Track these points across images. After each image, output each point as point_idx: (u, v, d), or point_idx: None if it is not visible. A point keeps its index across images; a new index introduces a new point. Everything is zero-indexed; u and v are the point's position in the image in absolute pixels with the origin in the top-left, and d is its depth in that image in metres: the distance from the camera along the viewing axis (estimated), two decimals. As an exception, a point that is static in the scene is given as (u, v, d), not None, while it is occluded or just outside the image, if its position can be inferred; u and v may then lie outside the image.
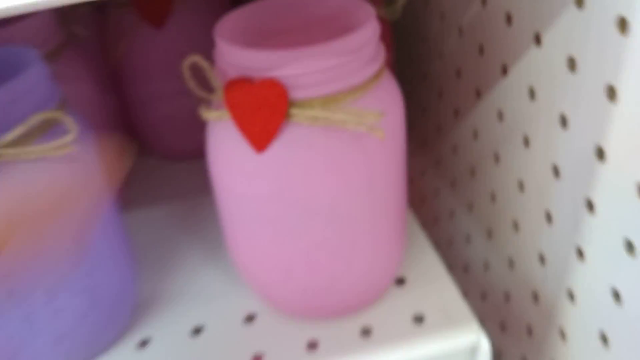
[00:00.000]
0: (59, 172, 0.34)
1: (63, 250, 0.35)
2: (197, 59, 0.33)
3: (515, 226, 0.43)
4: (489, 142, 0.45)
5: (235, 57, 0.31)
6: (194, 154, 0.55)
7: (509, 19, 0.38)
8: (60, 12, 0.49)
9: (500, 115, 0.42)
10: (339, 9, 0.35)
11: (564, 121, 0.34)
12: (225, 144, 0.33)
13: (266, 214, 0.34)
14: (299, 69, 0.30)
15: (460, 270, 0.55)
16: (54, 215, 0.33)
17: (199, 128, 0.42)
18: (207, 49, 0.49)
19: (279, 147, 0.32)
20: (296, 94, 0.30)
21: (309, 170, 0.32)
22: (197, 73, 0.34)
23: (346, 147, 0.32)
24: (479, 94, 0.45)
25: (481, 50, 0.43)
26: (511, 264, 0.45)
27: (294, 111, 0.31)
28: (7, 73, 0.36)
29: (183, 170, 0.58)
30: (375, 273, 0.38)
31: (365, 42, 0.31)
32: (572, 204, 0.35)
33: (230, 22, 0.34)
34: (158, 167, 0.60)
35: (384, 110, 0.31)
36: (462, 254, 0.54)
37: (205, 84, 0.34)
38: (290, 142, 0.32)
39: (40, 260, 0.33)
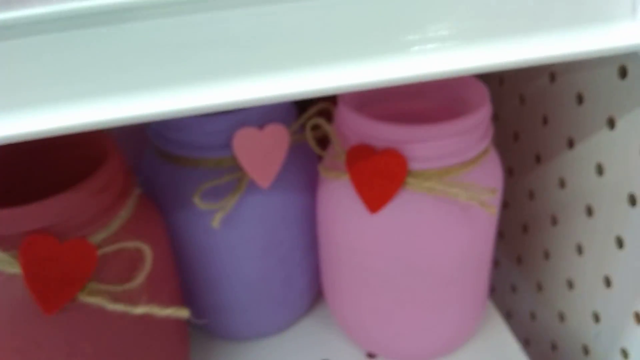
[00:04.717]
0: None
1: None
2: (321, 121, 0.37)
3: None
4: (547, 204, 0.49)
5: (361, 126, 0.35)
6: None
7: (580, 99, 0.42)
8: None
9: (563, 183, 0.46)
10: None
11: (632, 200, 0.38)
12: (339, 200, 0.37)
13: (370, 267, 0.37)
14: (421, 144, 0.34)
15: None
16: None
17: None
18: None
19: (391, 210, 0.35)
20: (414, 165, 0.34)
21: (417, 233, 0.36)
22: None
23: (453, 215, 0.35)
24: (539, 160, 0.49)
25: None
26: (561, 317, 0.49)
27: (411, 180, 0.34)
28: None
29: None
30: (462, 325, 0.42)
31: (479, 122, 0.35)
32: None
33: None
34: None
35: (490, 183, 0.35)
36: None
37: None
38: (403, 206, 0.35)
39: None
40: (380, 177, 0.34)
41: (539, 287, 0.52)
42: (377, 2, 0.25)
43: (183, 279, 0.41)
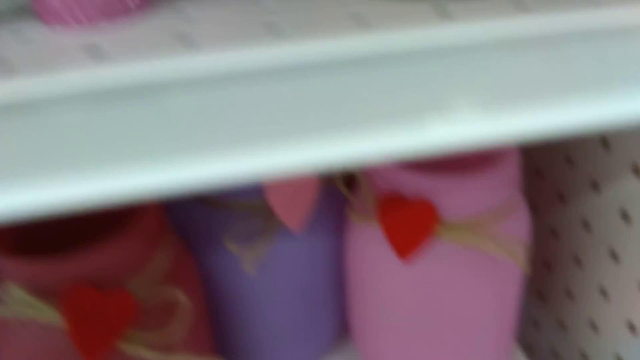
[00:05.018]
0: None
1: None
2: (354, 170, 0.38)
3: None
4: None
5: (391, 174, 0.35)
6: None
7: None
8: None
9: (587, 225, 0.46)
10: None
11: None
12: (369, 246, 0.37)
13: (398, 312, 0.38)
14: (452, 195, 0.34)
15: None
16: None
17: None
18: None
19: (421, 258, 0.36)
20: (445, 215, 0.35)
21: (446, 282, 0.36)
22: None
23: (483, 265, 0.36)
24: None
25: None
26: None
27: (442, 230, 0.35)
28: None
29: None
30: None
31: (510, 173, 0.36)
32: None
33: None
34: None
35: (519, 232, 0.36)
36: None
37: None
38: (432, 255, 0.36)
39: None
40: (411, 227, 0.35)
41: (562, 325, 0.52)
42: (399, 75, 0.26)
43: (213, 318, 0.42)
